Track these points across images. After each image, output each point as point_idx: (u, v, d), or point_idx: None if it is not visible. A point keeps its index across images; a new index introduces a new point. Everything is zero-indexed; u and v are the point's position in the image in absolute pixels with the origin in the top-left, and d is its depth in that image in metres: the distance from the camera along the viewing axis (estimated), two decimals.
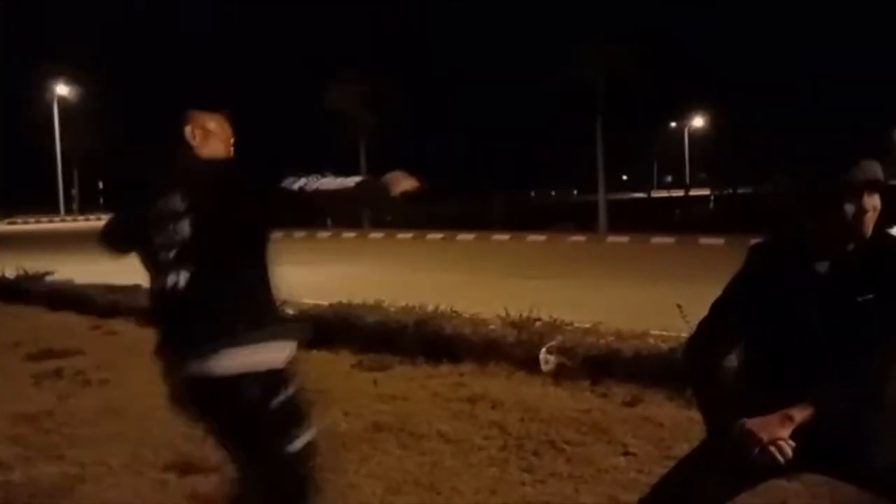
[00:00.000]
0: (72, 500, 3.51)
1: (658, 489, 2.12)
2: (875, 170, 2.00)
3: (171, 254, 2.33)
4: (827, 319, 2.01)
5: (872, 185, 1.99)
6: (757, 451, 1.92)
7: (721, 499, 2.11)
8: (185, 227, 2.32)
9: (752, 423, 1.95)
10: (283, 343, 2.38)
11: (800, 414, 1.95)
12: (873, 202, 2.00)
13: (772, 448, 1.92)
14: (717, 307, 2.19)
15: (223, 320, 2.28)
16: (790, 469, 2.11)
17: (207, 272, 2.31)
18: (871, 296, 1.99)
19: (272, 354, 2.34)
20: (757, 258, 2.16)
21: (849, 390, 1.97)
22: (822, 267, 2.04)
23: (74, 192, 53.58)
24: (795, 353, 2.04)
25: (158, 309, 2.44)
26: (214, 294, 2.30)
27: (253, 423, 2.33)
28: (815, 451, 1.97)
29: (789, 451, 1.92)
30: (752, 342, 2.16)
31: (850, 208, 1.97)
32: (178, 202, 2.34)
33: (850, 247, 2.03)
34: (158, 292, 2.37)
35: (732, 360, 2.14)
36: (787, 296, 2.05)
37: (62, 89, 49.27)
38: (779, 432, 1.93)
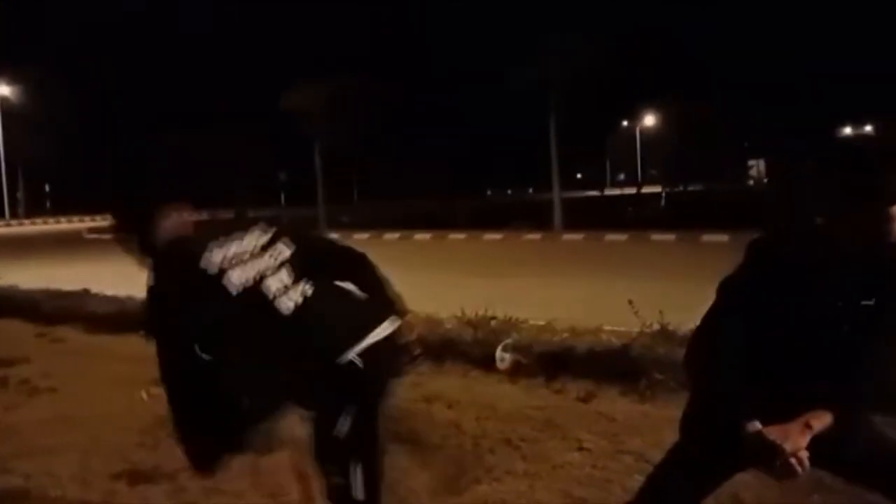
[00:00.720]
0: None
1: (644, 490, 2.14)
2: None
3: (280, 277, 2.29)
4: (830, 322, 2.00)
5: None
6: (779, 463, 1.87)
7: (697, 497, 2.14)
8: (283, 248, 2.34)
9: (774, 433, 1.89)
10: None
11: (818, 423, 1.91)
12: None
13: (793, 460, 1.87)
14: (721, 300, 2.14)
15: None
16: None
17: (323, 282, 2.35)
18: (871, 301, 1.98)
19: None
20: (757, 255, 2.12)
21: (860, 394, 1.97)
22: (826, 268, 2.02)
23: (20, 195, 52.11)
24: (798, 353, 2.03)
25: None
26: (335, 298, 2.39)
27: None
28: (812, 450, 1.96)
29: (808, 464, 1.88)
30: (755, 339, 2.11)
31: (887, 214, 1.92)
32: (259, 234, 2.36)
33: (860, 249, 1.98)
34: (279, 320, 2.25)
35: (736, 357, 2.06)
36: (789, 296, 2.02)
37: (4, 90, 47.78)
38: (800, 443, 1.88)
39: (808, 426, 1.90)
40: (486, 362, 5.40)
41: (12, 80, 47.76)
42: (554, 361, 5.18)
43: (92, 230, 29.94)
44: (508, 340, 5.44)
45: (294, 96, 30.11)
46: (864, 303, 1.98)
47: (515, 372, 5.25)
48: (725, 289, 2.14)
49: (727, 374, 2.01)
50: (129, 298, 7.50)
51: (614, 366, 4.91)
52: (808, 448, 1.91)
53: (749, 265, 2.12)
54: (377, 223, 27.90)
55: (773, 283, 2.04)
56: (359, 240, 24.79)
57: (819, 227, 2.05)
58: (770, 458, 1.87)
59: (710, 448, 2.05)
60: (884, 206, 1.91)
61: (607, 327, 5.70)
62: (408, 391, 5.04)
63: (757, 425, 1.92)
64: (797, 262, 2.04)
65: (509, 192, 77.33)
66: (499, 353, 5.36)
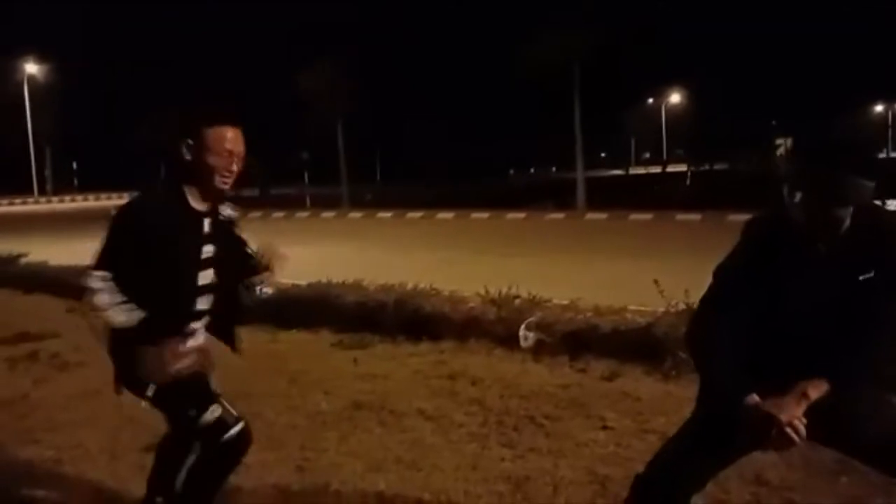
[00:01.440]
0: (49, 485, 3.49)
1: (652, 466, 2.13)
2: (865, 190, 1.93)
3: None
4: (829, 299, 2.00)
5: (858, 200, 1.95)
6: (774, 432, 1.91)
7: (711, 472, 2.14)
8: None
9: (769, 405, 1.93)
10: None
11: (815, 391, 1.93)
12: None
13: (788, 429, 1.91)
14: (719, 281, 2.15)
15: None
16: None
17: None
18: (871, 273, 1.98)
19: None
20: (755, 234, 2.13)
21: (866, 368, 1.96)
22: (822, 247, 2.02)
23: (48, 173, 52.76)
24: (798, 332, 2.03)
25: None
26: None
27: None
28: (811, 423, 1.98)
29: (804, 431, 1.91)
30: (754, 318, 2.13)
31: (840, 213, 1.95)
32: None
33: (845, 230, 1.99)
34: None
35: (735, 336, 2.09)
36: (787, 275, 2.03)
37: (32, 68, 48.22)
38: (795, 412, 1.91)
39: (804, 395, 1.93)
40: (510, 341, 5.41)
41: (40, 58, 48.18)
42: (578, 340, 5.17)
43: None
44: (532, 319, 5.44)
45: (314, 74, 30.11)
46: (862, 277, 1.98)
47: (539, 350, 5.25)
48: (721, 274, 2.15)
49: (723, 362, 2.04)
50: None
51: (638, 345, 4.89)
52: (819, 427, 1.94)
53: (744, 247, 2.13)
54: (400, 202, 27.92)
55: (769, 265, 2.04)
56: (382, 219, 24.87)
57: (804, 217, 2.02)
58: (766, 429, 1.92)
59: (717, 428, 2.04)
60: (832, 205, 1.93)
61: (632, 307, 5.67)
62: (432, 368, 5.09)
63: (754, 398, 1.95)
64: (791, 241, 2.04)
65: (532, 171, 76.93)
66: (522, 331, 5.36)
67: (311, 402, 4.49)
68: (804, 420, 1.92)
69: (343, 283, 6.79)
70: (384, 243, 16.57)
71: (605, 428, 3.88)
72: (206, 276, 2.52)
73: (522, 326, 5.38)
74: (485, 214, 23.67)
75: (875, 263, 1.99)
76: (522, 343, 5.33)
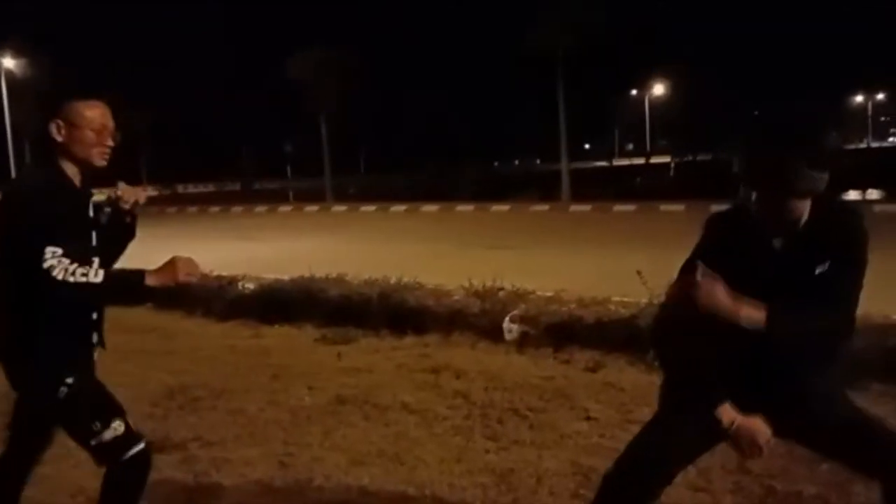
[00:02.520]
0: (32, 483, 3.44)
1: (620, 465, 2.12)
2: (815, 182, 1.90)
3: None
4: (787, 293, 1.99)
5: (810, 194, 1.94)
6: (747, 451, 2.02)
7: (680, 466, 2.14)
8: None
9: (742, 430, 1.99)
10: None
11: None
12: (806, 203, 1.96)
13: (763, 446, 2.01)
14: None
15: None
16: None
17: None
18: (826, 265, 1.98)
19: None
20: (714, 230, 2.12)
21: (801, 320, 1.97)
22: (778, 242, 2.01)
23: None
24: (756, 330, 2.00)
25: None
26: None
27: None
28: (775, 416, 2.01)
29: (770, 444, 2.02)
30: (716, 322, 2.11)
31: (791, 206, 1.94)
32: None
33: (803, 224, 1.98)
34: None
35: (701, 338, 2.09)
36: (745, 271, 2.01)
37: (8, 63, 47.52)
38: (764, 437, 2.00)
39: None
40: (494, 333, 5.41)
41: (17, 53, 47.48)
42: (561, 332, 5.18)
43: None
44: (516, 311, 5.44)
45: (297, 65, 29.92)
46: (818, 271, 1.98)
47: (523, 343, 5.26)
48: (688, 259, 2.13)
49: (694, 368, 2.06)
50: None
51: (622, 336, 4.90)
52: (785, 424, 2.03)
53: (704, 243, 2.11)
54: (384, 195, 27.87)
55: (728, 261, 2.01)
56: (366, 212, 24.81)
57: (758, 210, 2.01)
58: (743, 446, 2.02)
59: (686, 422, 2.06)
60: (783, 197, 1.92)
61: (615, 298, 5.68)
62: (416, 361, 5.08)
63: (727, 415, 1.99)
64: (750, 236, 2.02)
65: (517, 162, 76.97)
66: (506, 323, 5.36)
67: (295, 396, 4.47)
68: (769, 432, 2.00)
69: (327, 277, 6.76)
70: (368, 237, 16.53)
71: (588, 419, 3.89)
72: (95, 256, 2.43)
73: (506, 319, 5.38)
74: (469, 207, 23.67)
75: (830, 256, 1.98)
76: (506, 335, 5.33)
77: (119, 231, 2.56)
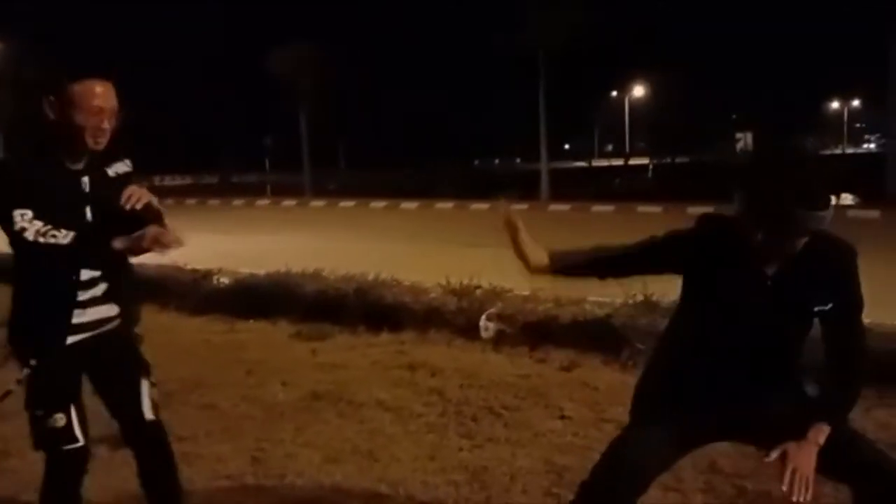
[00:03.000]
0: None
1: (598, 470, 2.12)
2: (820, 221, 1.87)
3: None
4: (772, 321, 2.01)
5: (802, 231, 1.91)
6: (793, 490, 1.95)
7: (659, 470, 2.15)
8: None
9: (797, 460, 1.96)
10: None
11: (821, 436, 1.98)
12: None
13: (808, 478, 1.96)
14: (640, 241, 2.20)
15: None
16: (712, 440, 2.27)
17: None
18: (827, 305, 1.99)
19: None
20: (707, 231, 2.08)
21: (852, 400, 2.05)
22: (771, 269, 1.99)
23: (6, 157, 51.39)
24: (727, 343, 2.05)
25: None
26: None
27: None
28: (727, 420, 2.07)
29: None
30: (689, 323, 2.15)
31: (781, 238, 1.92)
32: None
33: (794, 252, 1.95)
34: None
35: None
36: (736, 289, 2.01)
37: None
38: (812, 464, 1.97)
39: (817, 444, 1.98)
40: (471, 331, 5.41)
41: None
42: (537, 331, 5.19)
43: None
44: (493, 310, 5.44)
45: (278, 59, 29.71)
46: (816, 308, 2.00)
47: (499, 341, 5.26)
48: (649, 240, 2.19)
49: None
50: None
51: (597, 335, 4.93)
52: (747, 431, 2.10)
53: (693, 237, 2.10)
54: (364, 191, 27.76)
55: (718, 269, 2.02)
56: (345, 207, 24.69)
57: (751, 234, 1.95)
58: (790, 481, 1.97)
59: (661, 429, 2.08)
60: (786, 238, 1.91)
61: (591, 298, 5.70)
62: (392, 358, 5.06)
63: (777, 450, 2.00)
64: (738, 253, 1.99)
65: (497, 161, 77.08)
66: (483, 322, 5.36)
67: (269, 392, 4.44)
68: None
69: (303, 272, 6.72)
70: (346, 233, 16.46)
71: (563, 417, 3.90)
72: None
73: (483, 317, 5.39)
74: (449, 204, 23.64)
75: (831, 295, 1.98)
76: (483, 333, 5.34)
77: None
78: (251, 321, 6.30)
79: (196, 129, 54.69)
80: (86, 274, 2.35)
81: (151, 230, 2.19)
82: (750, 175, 1.96)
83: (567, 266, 2.29)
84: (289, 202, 27.24)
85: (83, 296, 2.36)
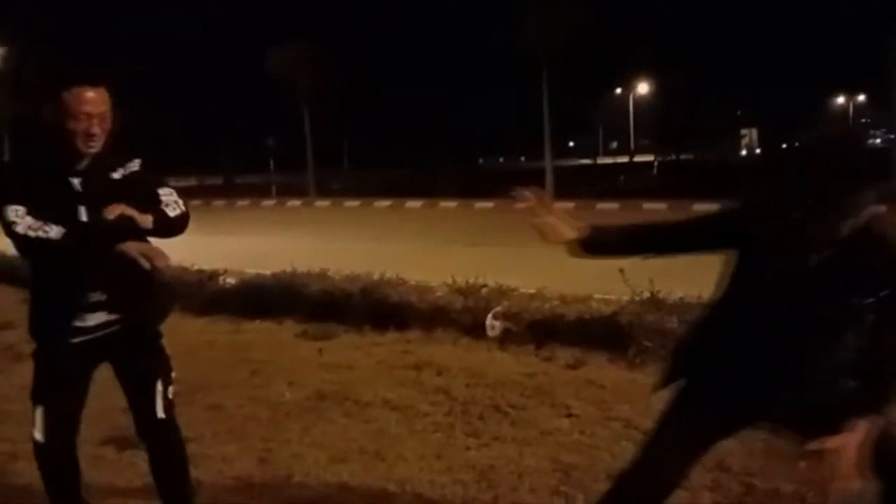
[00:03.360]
0: (4, 478, 3.40)
1: (629, 473, 2.11)
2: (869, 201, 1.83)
3: None
4: (815, 314, 1.94)
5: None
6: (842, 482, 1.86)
7: (684, 469, 2.13)
8: None
9: (850, 451, 1.84)
10: None
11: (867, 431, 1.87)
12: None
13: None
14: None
15: None
16: (735, 430, 2.22)
17: None
18: (871, 300, 1.90)
19: None
20: (758, 213, 2.00)
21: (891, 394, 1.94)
22: (814, 258, 1.92)
23: (7, 160, 51.61)
24: (771, 334, 1.99)
25: None
26: None
27: None
28: (749, 410, 2.03)
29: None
30: (726, 306, 2.10)
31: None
32: None
33: (839, 237, 1.88)
34: None
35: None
36: (774, 276, 1.96)
37: None
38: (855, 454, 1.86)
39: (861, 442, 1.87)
40: (477, 330, 5.40)
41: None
42: (543, 329, 5.18)
43: None
44: (499, 308, 5.43)
45: (278, 59, 29.72)
46: (862, 301, 1.90)
47: (505, 339, 5.25)
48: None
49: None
50: None
51: (603, 333, 4.92)
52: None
53: (739, 212, 2.06)
54: (368, 190, 27.76)
55: (761, 252, 1.96)
56: (349, 207, 24.70)
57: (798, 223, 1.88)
58: (840, 473, 1.87)
59: (694, 428, 2.05)
60: (840, 218, 1.84)
61: (597, 295, 5.69)
62: (398, 358, 5.06)
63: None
64: (774, 244, 1.94)
65: (501, 160, 77.01)
66: (489, 320, 5.35)
67: (275, 392, 4.44)
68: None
69: (308, 272, 6.71)
70: (351, 232, 16.47)
71: (569, 416, 3.89)
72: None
73: (489, 316, 5.38)
74: (454, 203, 23.63)
75: (882, 286, 1.90)
76: (489, 332, 5.33)
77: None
78: (257, 321, 6.30)
79: (196, 129, 54.70)
80: (88, 276, 2.41)
81: (141, 246, 2.30)
82: (800, 157, 1.96)
83: (606, 242, 2.33)
84: (293, 202, 27.27)
85: (86, 299, 2.43)
